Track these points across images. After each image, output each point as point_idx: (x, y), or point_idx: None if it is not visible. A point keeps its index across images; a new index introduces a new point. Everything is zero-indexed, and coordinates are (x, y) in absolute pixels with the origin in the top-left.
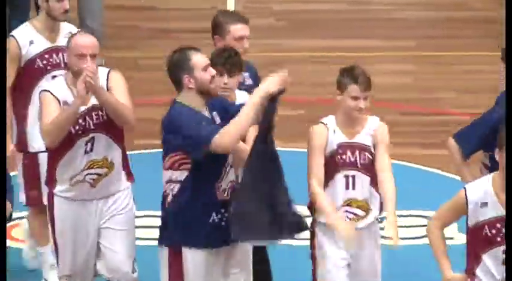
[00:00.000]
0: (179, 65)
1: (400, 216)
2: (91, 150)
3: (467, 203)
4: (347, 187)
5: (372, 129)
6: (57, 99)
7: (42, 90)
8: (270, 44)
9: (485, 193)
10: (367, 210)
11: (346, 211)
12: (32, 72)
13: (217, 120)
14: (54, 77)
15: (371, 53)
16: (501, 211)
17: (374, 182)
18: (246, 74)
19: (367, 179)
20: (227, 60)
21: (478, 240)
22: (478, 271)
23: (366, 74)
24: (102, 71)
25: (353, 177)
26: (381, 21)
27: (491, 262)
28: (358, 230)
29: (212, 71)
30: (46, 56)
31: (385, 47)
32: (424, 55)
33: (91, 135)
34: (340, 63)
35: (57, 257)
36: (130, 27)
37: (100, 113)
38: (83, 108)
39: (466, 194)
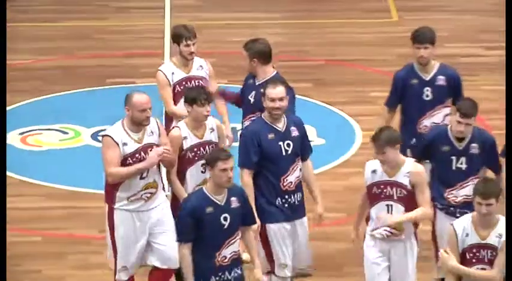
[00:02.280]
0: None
1: None
2: (146, 176)
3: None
4: (387, 212)
5: (407, 172)
6: (117, 142)
7: (104, 135)
8: (192, 16)
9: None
10: (401, 230)
11: (385, 230)
12: (173, 96)
13: (295, 133)
14: None
15: (264, 21)
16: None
17: (408, 211)
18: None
19: (402, 208)
20: (207, 94)
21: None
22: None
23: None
24: (152, 121)
25: (391, 206)
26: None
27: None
28: (394, 242)
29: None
30: (183, 83)
31: (273, 17)
32: (298, 22)
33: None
34: (244, 27)
35: (116, 254)
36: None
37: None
38: (139, 145)
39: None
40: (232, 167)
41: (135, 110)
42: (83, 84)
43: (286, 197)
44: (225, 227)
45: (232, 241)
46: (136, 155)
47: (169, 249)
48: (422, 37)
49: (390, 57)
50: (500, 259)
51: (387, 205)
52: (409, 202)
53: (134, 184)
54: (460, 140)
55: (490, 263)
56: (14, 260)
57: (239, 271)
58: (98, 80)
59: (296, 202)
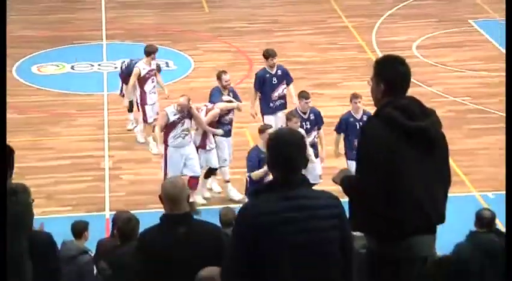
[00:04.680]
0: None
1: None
2: (184, 124)
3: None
4: None
5: None
6: (168, 115)
7: (164, 109)
8: (114, 11)
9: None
10: None
11: None
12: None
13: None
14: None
15: (145, 12)
16: None
17: None
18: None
19: None
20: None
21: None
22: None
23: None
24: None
25: None
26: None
27: None
28: None
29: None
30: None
31: (148, 11)
32: (163, 13)
33: (184, 120)
34: (137, 16)
35: (166, 167)
36: None
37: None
38: (180, 119)
39: None
40: None
41: (177, 105)
42: (61, 44)
43: None
44: None
45: None
46: (178, 122)
47: (196, 164)
48: (273, 53)
49: (204, 28)
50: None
51: None
52: None
53: (178, 128)
54: (304, 113)
55: None
56: (28, 126)
57: None
58: (70, 42)
59: None
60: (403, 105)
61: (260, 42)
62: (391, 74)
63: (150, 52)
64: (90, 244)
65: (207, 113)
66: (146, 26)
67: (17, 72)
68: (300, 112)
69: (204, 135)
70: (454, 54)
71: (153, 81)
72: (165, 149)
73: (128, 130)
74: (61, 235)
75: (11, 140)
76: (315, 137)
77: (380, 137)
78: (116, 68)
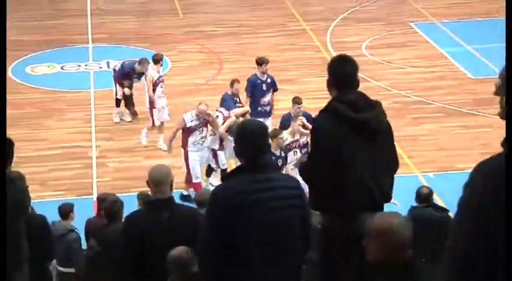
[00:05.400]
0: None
1: None
2: (202, 132)
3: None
4: None
5: None
6: (185, 121)
7: (182, 116)
8: (98, 17)
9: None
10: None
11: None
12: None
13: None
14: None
15: (128, 18)
16: None
17: None
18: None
19: None
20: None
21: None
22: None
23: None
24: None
25: None
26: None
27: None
28: None
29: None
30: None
31: (130, 18)
32: (141, 19)
33: (203, 128)
34: (120, 21)
35: (189, 171)
36: None
37: (206, 122)
38: (198, 126)
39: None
40: None
41: (197, 111)
42: (52, 47)
43: None
44: None
45: None
46: (195, 128)
47: (200, 171)
48: (266, 60)
49: (179, 32)
50: None
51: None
52: None
53: (196, 135)
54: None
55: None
56: (23, 120)
57: None
58: (59, 45)
59: None
60: (350, 100)
61: (229, 44)
62: (338, 71)
63: (158, 60)
64: (80, 224)
65: (224, 120)
66: (127, 30)
67: (12, 72)
68: (293, 116)
69: (221, 138)
70: (398, 53)
71: (161, 87)
72: (185, 153)
73: (115, 123)
74: (54, 217)
75: (9, 133)
76: (306, 138)
77: (327, 130)
78: (100, 68)
